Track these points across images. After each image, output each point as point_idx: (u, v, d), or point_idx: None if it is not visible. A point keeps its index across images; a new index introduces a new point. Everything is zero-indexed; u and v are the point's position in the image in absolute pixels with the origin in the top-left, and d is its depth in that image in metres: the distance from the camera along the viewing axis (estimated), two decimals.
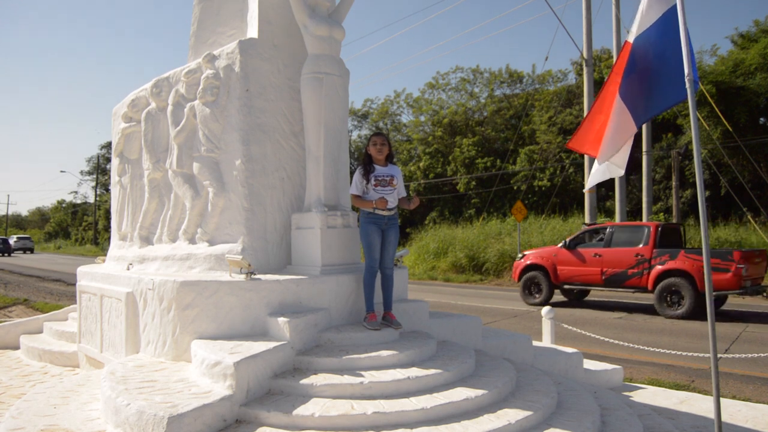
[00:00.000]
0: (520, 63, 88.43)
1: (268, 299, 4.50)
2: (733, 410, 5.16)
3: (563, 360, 5.87)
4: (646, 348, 7.52)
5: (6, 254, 44.32)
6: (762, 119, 22.41)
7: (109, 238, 9.33)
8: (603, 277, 12.43)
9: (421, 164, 33.64)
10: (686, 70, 3.71)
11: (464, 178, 30.87)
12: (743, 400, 5.77)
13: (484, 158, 30.95)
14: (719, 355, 4.40)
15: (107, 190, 55.65)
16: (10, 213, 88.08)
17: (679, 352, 7.53)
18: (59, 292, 16.86)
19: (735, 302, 13.41)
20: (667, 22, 3.98)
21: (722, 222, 19.71)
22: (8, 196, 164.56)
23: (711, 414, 4.25)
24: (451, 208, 31.57)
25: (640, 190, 21.80)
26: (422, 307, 5.19)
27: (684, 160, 20.42)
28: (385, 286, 4.81)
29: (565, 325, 8.84)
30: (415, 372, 3.91)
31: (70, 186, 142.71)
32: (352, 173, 5.10)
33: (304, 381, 3.75)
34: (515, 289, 15.61)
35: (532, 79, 34.89)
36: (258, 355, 3.82)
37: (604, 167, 4.56)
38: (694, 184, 21.48)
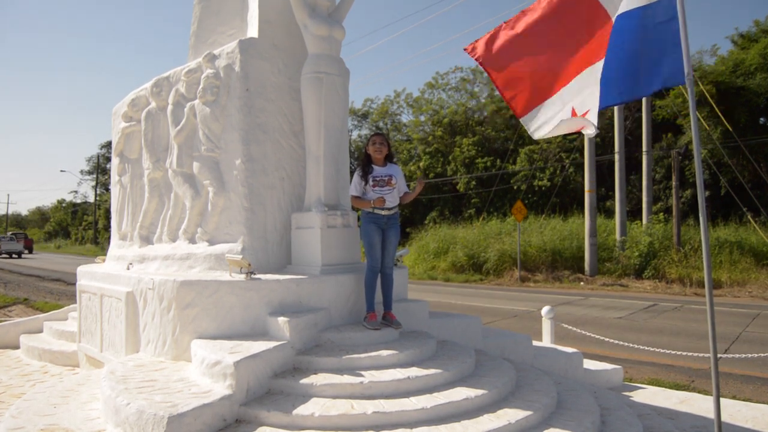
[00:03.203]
0: None
1: (268, 299, 4.50)
2: (733, 410, 5.17)
3: (563, 360, 5.88)
4: (646, 348, 7.52)
5: None
6: (762, 119, 22.43)
7: (109, 237, 9.31)
8: None
9: (421, 164, 33.60)
10: (686, 70, 3.70)
11: (464, 177, 30.85)
12: (743, 400, 5.78)
13: (484, 158, 30.93)
14: (719, 355, 4.40)
15: (107, 190, 55.59)
16: (10, 212, 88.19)
17: (679, 352, 7.53)
18: (59, 292, 16.86)
19: (735, 302, 13.41)
20: (661, 8, 3.85)
21: (722, 222, 19.70)
22: (8, 195, 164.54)
23: (711, 414, 4.25)
24: (451, 208, 31.57)
25: (640, 190, 21.79)
26: (422, 306, 5.19)
27: (684, 160, 20.41)
28: (385, 285, 4.81)
29: (565, 325, 8.84)
30: (415, 372, 3.91)
31: (70, 185, 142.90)
32: (352, 173, 5.10)
33: (304, 381, 3.75)
34: (515, 289, 15.61)
35: None
36: (258, 354, 3.82)
37: (572, 121, 4.17)
38: (694, 184, 21.48)
